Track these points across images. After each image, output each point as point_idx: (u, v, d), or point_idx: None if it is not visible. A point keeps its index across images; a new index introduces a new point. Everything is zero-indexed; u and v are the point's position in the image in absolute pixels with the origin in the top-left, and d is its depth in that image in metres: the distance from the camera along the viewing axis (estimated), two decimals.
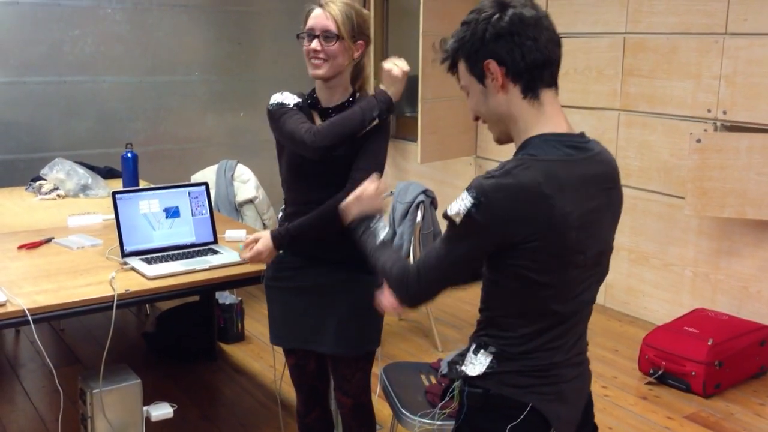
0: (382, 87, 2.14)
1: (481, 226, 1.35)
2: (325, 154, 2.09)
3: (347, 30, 2.11)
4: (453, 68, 1.50)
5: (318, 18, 2.11)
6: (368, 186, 1.75)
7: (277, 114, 2.16)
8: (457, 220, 1.37)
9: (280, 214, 2.30)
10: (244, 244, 2.25)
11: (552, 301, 1.41)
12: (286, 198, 2.28)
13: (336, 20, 2.10)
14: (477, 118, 1.52)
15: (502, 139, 1.51)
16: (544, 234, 1.35)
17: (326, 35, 2.10)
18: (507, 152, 1.43)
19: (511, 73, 1.41)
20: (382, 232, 1.64)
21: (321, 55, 2.11)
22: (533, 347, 1.43)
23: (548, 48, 1.41)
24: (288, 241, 2.18)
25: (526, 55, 1.39)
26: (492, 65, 1.41)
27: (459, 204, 1.37)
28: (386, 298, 1.75)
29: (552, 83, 1.45)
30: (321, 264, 2.21)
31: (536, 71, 1.41)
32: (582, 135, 1.47)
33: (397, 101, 2.15)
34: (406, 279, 1.47)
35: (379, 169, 2.14)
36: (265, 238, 2.19)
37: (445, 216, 1.40)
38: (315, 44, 2.11)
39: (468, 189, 1.37)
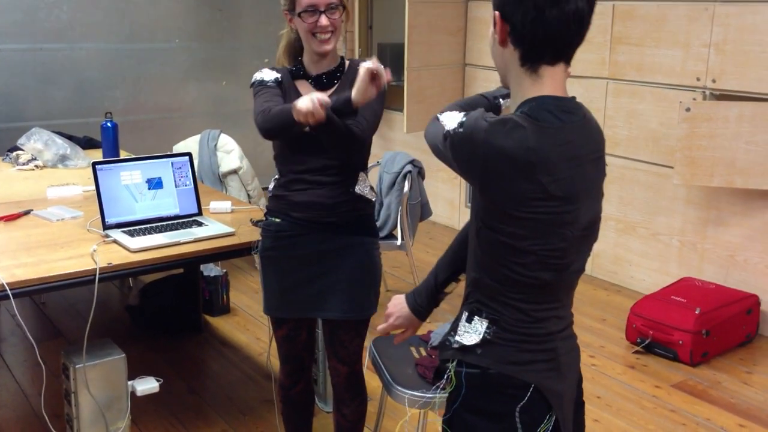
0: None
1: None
2: (268, 138, 2.08)
3: None
4: None
5: None
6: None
7: (254, 92, 2.14)
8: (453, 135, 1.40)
9: (272, 185, 2.25)
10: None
11: (539, 269, 1.37)
12: (280, 169, 2.22)
13: None
14: None
15: (504, 83, 1.47)
16: (531, 201, 1.31)
17: (330, 7, 2.05)
18: None
19: (513, 35, 1.35)
20: None
21: (329, 29, 2.06)
22: (525, 316, 1.40)
23: (556, 25, 1.30)
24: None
25: (525, 25, 1.32)
26: (497, 18, 1.36)
27: (449, 120, 1.41)
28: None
29: (556, 62, 1.36)
30: (321, 230, 2.16)
31: (537, 45, 1.34)
32: (574, 98, 1.41)
33: (357, 102, 1.91)
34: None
35: (373, 119, 2.05)
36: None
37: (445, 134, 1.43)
38: (324, 20, 2.04)
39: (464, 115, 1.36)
